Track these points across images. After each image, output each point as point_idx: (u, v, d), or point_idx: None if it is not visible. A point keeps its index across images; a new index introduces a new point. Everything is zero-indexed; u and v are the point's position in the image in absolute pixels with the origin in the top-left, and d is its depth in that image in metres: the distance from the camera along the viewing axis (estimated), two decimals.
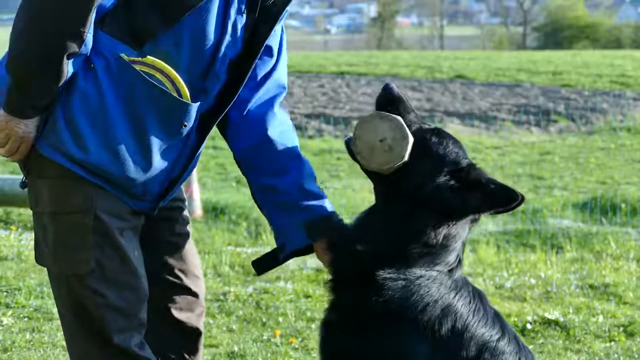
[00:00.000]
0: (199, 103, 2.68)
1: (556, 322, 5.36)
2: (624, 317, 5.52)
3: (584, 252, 7.31)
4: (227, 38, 2.68)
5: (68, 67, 2.52)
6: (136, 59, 2.57)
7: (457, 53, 31.67)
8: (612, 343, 5.11)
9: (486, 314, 2.68)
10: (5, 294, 5.55)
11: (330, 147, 13.23)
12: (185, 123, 2.67)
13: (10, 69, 2.54)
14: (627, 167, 12.19)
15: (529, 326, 5.31)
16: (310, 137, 13.96)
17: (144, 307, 2.76)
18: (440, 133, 2.74)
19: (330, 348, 2.70)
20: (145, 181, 2.69)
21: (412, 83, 19.97)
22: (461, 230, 2.68)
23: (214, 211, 8.31)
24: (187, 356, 2.97)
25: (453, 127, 14.79)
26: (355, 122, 14.60)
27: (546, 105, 16.87)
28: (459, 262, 2.71)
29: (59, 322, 5.01)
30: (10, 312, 5.20)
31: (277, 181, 2.84)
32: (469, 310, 2.65)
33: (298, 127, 14.47)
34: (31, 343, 4.73)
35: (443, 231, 2.63)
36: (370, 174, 2.72)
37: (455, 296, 2.64)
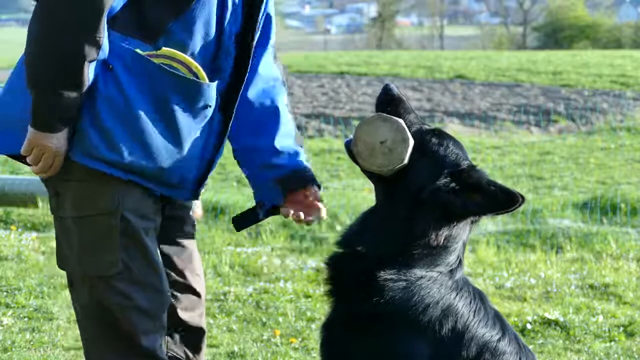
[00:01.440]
0: (216, 82, 2.72)
1: (556, 322, 5.36)
2: (624, 317, 5.52)
3: (584, 252, 7.31)
4: (229, 15, 2.72)
5: (89, 74, 2.53)
6: (151, 52, 2.60)
7: (457, 53, 31.68)
8: (612, 343, 5.11)
9: (487, 314, 2.68)
10: (5, 294, 5.55)
11: (330, 147, 13.23)
12: (209, 104, 2.71)
13: (33, 85, 2.53)
14: (627, 167, 12.19)
15: (529, 326, 5.31)
16: (310, 137, 13.96)
17: (166, 310, 2.78)
18: (440, 134, 2.73)
19: (331, 350, 2.70)
20: (180, 169, 2.73)
21: (412, 83, 19.98)
22: (462, 231, 2.68)
23: (214, 211, 8.31)
24: (191, 355, 2.97)
25: (453, 127, 14.79)
26: (355, 122, 14.60)
27: (546, 105, 16.87)
28: (460, 262, 2.71)
29: (59, 322, 5.04)
30: (10, 312, 5.20)
31: (253, 141, 2.89)
32: (470, 311, 2.65)
33: (298, 127, 14.46)
34: (31, 343, 4.72)
35: (444, 232, 2.63)
36: (371, 175, 2.72)
37: (456, 297, 2.64)
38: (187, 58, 2.64)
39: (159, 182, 2.72)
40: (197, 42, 2.66)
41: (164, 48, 2.61)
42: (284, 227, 8.09)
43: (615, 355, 4.89)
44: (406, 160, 2.61)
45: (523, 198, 2.60)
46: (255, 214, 2.94)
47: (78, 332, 4.85)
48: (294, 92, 18.47)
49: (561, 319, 5.38)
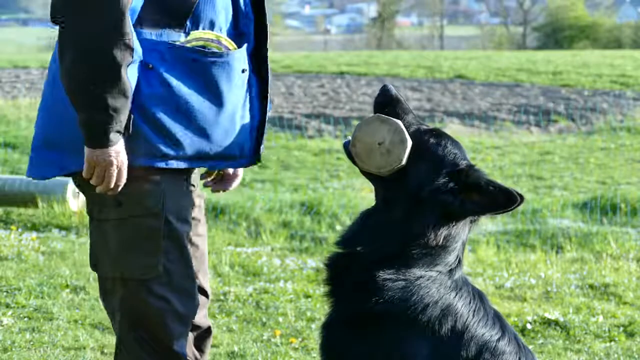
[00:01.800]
0: (245, 45, 2.78)
1: (556, 322, 5.36)
2: (624, 317, 5.52)
3: (584, 252, 7.31)
4: None
5: (129, 78, 2.53)
6: (183, 40, 2.63)
7: (457, 53, 31.67)
8: (612, 343, 5.11)
9: (486, 314, 2.68)
10: (5, 294, 5.55)
11: (330, 147, 13.23)
12: (244, 68, 2.76)
13: (80, 106, 2.52)
14: (627, 167, 12.19)
15: (529, 326, 5.31)
16: (310, 137, 13.95)
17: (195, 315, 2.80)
18: (438, 134, 2.73)
19: (330, 350, 2.70)
20: (237, 139, 2.78)
21: (412, 83, 19.97)
22: (461, 231, 2.68)
23: (214, 211, 8.31)
24: (198, 356, 2.97)
25: (453, 127, 14.79)
26: (355, 122, 14.62)
27: (546, 105, 16.86)
28: (459, 262, 2.70)
29: (59, 322, 5.04)
30: (10, 312, 5.20)
31: None
32: (469, 311, 2.64)
33: (298, 127, 14.48)
34: (31, 343, 4.72)
35: (443, 232, 2.63)
36: (369, 176, 2.72)
37: (455, 296, 2.64)
38: (215, 34, 2.69)
39: (221, 159, 2.78)
40: (222, 16, 2.71)
41: (193, 32, 2.64)
42: (284, 227, 8.09)
43: (615, 355, 4.89)
44: (404, 161, 2.61)
45: (522, 197, 2.60)
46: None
47: (78, 332, 4.87)
48: (294, 92, 18.46)
49: (561, 319, 5.38)
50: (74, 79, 2.51)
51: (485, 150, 13.34)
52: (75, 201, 7.91)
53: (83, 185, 2.71)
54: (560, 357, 4.90)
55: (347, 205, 8.65)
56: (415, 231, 2.62)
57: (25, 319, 5.13)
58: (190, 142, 2.66)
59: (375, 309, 2.58)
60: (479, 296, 2.71)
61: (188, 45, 2.63)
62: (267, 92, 2.88)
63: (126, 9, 2.49)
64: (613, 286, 6.20)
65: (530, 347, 4.91)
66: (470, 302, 2.67)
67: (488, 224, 8.35)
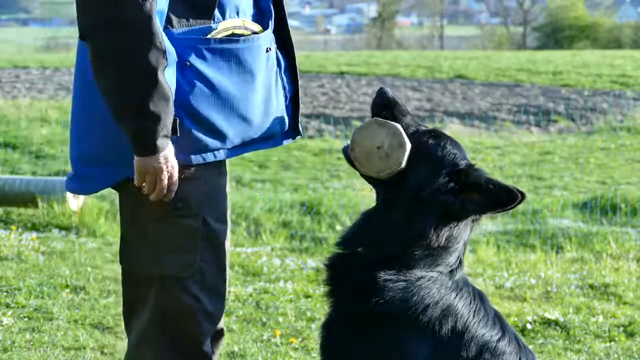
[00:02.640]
0: (270, 25, 2.80)
1: (556, 322, 5.36)
2: (624, 317, 5.52)
3: (584, 252, 7.31)
4: None
5: (168, 81, 2.53)
6: (213, 32, 2.64)
7: (457, 53, 31.66)
8: (612, 343, 5.11)
9: (487, 315, 2.68)
10: (5, 294, 5.55)
11: (331, 147, 13.23)
12: (269, 47, 2.78)
13: (123, 117, 2.52)
14: (627, 167, 12.19)
15: (529, 326, 5.31)
16: (311, 137, 13.95)
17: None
18: (437, 135, 2.73)
19: (330, 350, 2.70)
20: (276, 117, 2.81)
21: (412, 83, 19.96)
22: (462, 231, 2.68)
23: None
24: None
25: (453, 127, 14.78)
26: (355, 123, 14.60)
27: (546, 105, 16.86)
28: (460, 263, 2.70)
29: (59, 322, 5.04)
30: (10, 312, 5.20)
31: None
32: (470, 311, 2.64)
33: None
34: (31, 343, 4.72)
35: (445, 233, 2.63)
36: (369, 179, 2.72)
37: (455, 297, 2.64)
38: (241, 20, 2.71)
39: (265, 140, 2.81)
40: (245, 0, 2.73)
41: (220, 23, 2.65)
42: (284, 227, 8.09)
43: (615, 355, 4.89)
44: (404, 164, 2.62)
45: (523, 195, 2.60)
46: None
47: (78, 332, 4.87)
48: None
49: (561, 319, 5.38)
50: (114, 92, 2.51)
51: (485, 150, 13.34)
52: (75, 201, 7.91)
53: (118, 186, 2.71)
54: (560, 357, 4.90)
55: (347, 205, 8.65)
56: (416, 232, 2.62)
57: (25, 319, 5.13)
58: (234, 131, 2.68)
59: (375, 309, 2.58)
60: (479, 297, 2.71)
61: (218, 37, 2.65)
62: (295, 66, 2.90)
63: (153, 13, 2.48)
64: (613, 286, 6.20)
65: (530, 347, 4.91)
66: (470, 303, 2.67)
67: (488, 224, 8.36)
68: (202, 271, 2.70)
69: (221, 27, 2.65)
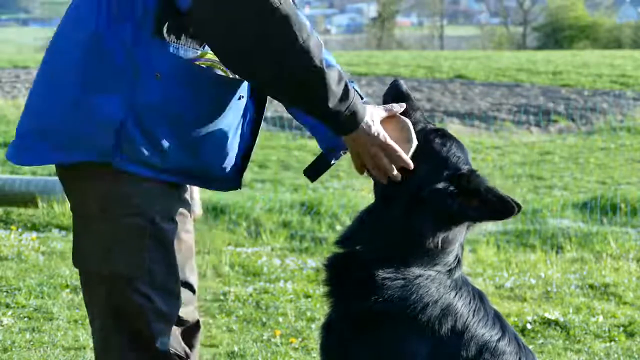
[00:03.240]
0: None
1: (556, 322, 5.36)
2: (624, 317, 5.52)
3: (584, 252, 7.31)
4: None
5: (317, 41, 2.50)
6: (195, 56, 2.59)
7: (457, 53, 31.66)
8: (612, 343, 5.11)
9: (486, 314, 2.68)
10: (5, 294, 5.55)
11: None
12: (242, 94, 2.72)
13: (315, 102, 2.50)
14: (627, 167, 12.19)
15: (529, 326, 5.31)
16: (311, 137, 13.95)
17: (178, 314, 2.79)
18: (444, 134, 2.72)
19: (330, 350, 2.70)
20: (223, 162, 2.74)
21: (412, 83, 19.96)
22: (458, 234, 2.68)
23: (214, 211, 8.31)
24: (187, 350, 2.97)
25: (453, 127, 14.78)
26: None
27: (546, 105, 16.86)
28: (458, 262, 2.70)
29: (59, 322, 5.04)
30: (10, 312, 5.20)
31: None
32: (469, 310, 2.64)
33: (298, 127, 14.47)
34: (31, 343, 4.72)
35: (440, 236, 2.63)
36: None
37: (455, 296, 2.64)
38: None
39: (203, 179, 2.75)
40: None
41: (202, 52, 2.60)
42: (284, 227, 8.09)
43: (615, 355, 4.89)
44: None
45: (519, 208, 2.60)
46: (326, 161, 2.93)
47: (78, 332, 4.87)
48: None
49: (561, 319, 5.39)
50: (294, 87, 2.49)
51: (485, 150, 13.34)
52: None
53: (65, 178, 2.69)
54: (560, 357, 4.90)
55: (347, 205, 8.65)
56: (414, 230, 2.62)
57: (25, 319, 5.13)
58: (176, 155, 2.62)
59: (374, 308, 2.58)
60: (479, 296, 2.71)
61: (197, 63, 2.60)
62: (260, 122, 2.84)
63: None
64: (613, 286, 6.20)
65: (530, 347, 4.91)
66: (470, 302, 2.67)
67: (488, 224, 8.36)
68: (152, 271, 2.66)
69: (202, 56, 2.59)
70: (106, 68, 2.57)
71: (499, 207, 2.61)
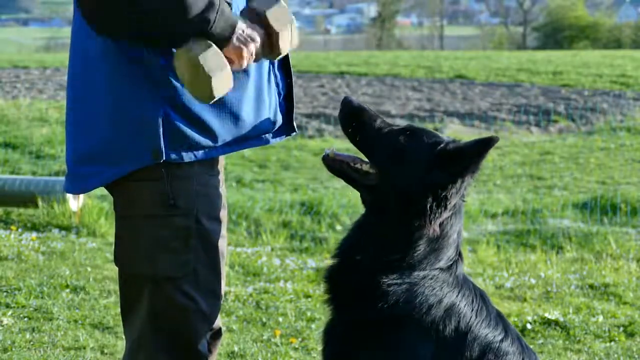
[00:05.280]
0: None
1: (556, 322, 5.36)
2: (624, 317, 5.52)
3: (584, 252, 7.31)
4: None
5: None
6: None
7: (457, 53, 31.66)
8: (612, 343, 5.11)
9: (489, 314, 2.68)
10: (5, 294, 5.55)
11: (331, 147, 13.23)
12: None
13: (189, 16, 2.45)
14: (627, 167, 12.19)
15: (529, 326, 5.31)
16: (311, 137, 13.95)
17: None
18: (411, 130, 2.75)
19: (334, 357, 2.70)
20: (269, 115, 2.77)
21: (412, 83, 19.96)
22: (454, 218, 2.69)
23: None
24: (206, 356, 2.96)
25: (453, 127, 14.79)
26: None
27: (546, 105, 16.86)
28: (459, 255, 2.71)
29: (59, 322, 5.04)
30: (10, 312, 5.20)
31: None
32: (472, 310, 2.65)
33: (298, 127, 14.46)
34: (31, 343, 4.72)
35: (437, 220, 2.64)
36: (353, 183, 2.73)
37: (458, 295, 2.65)
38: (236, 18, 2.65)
39: (256, 138, 2.76)
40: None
41: None
42: (284, 227, 8.10)
43: (615, 355, 4.89)
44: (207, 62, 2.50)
45: (497, 138, 2.70)
46: None
47: (78, 332, 4.87)
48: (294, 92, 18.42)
49: (561, 319, 5.39)
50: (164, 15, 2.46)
51: None
52: (75, 201, 7.91)
53: (111, 185, 2.70)
54: (560, 357, 4.90)
55: (347, 205, 8.65)
56: (412, 229, 2.62)
57: (25, 319, 5.13)
58: (225, 129, 2.65)
59: (380, 314, 2.58)
60: (480, 296, 2.72)
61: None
62: (289, 63, 2.86)
63: None
64: (613, 286, 6.20)
65: (530, 347, 4.91)
66: (472, 302, 2.67)
67: (488, 224, 8.36)
68: (196, 271, 2.67)
69: None
70: (133, 75, 2.57)
71: (481, 148, 2.67)
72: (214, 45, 2.51)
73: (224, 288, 2.96)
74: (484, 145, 2.68)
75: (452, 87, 19.46)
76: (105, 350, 4.68)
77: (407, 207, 2.62)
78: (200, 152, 2.64)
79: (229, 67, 2.53)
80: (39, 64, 22.64)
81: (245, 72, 2.68)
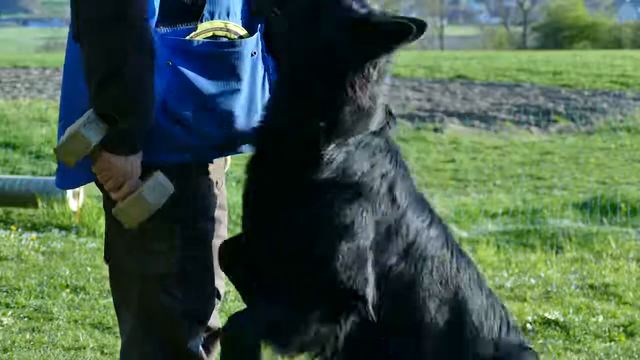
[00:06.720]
0: (258, 27, 2.73)
1: (556, 322, 5.36)
2: (624, 317, 5.52)
3: (584, 252, 7.31)
4: None
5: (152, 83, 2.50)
6: (192, 34, 2.59)
7: (457, 53, 31.64)
8: (612, 343, 5.11)
9: (412, 182, 2.80)
10: (5, 294, 5.55)
11: None
12: (254, 51, 2.71)
13: (115, 113, 2.47)
14: (627, 167, 12.19)
15: (529, 326, 5.31)
16: None
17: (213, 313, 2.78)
18: None
19: (263, 217, 2.72)
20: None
21: (412, 83, 19.97)
22: (379, 83, 2.68)
23: None
24: (204, 355, 2.95)
25: (453, 127, 14.79)
26: None
27: (546, 105, 16.86)
28: (391, 115, 2.74)
29: (59, 322, 5.04)
30: (10, 312, 5.20)
31: None
32: (401, 176, 2.74)
33: None
34: (31, 343, 4.72)
35: (366, 91, 2.62)
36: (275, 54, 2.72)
37: (390, 162, 2.71)
38: (223, 22, 2.64)
39: (247, 142, 2.74)
40: (236, 0, 2.68)
41: (200, 24, 2.59)
42: None
43: (615, 355, 4.89)
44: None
45: (421, 27, 2.73)
46: None
47: (78, 332, 4.87)
48: None
49: (561, 319, 5.39)
50: (104, 88, 2.47)
51: (485, 150, 13.34)
52: (75, 201, 7.91)
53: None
54: (560, 357, 4.90)
55: None
56: (344, 95, 2.59)
57: (25, 319, 5.13)
58: (215, 131, 2.63)
59: (319, 178, 2.58)
60: (403, 164, 2.78)
61: (197, 38, 2.60)
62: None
63: (145, 13, 2.45)
64: (613, 286, 6.20)
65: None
66: (404, 170, 2.76)
67: (488, 224, 8.37)
68: (186, 271, 2.66)
69: (201, 29, 2.59)
70: None
71: (396, 34, 2.72)
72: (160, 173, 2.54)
73: (222, 288, 2.95)
74: (400, 29, 2.73)
75: (452, 87, 19.45)
76: (105, 350, 4.67)
77: (335, 77, 2.58)
78: (188, 154, 2.62)
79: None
80: (39, 64, 22.63)
81: (236, 76, 2.66)
